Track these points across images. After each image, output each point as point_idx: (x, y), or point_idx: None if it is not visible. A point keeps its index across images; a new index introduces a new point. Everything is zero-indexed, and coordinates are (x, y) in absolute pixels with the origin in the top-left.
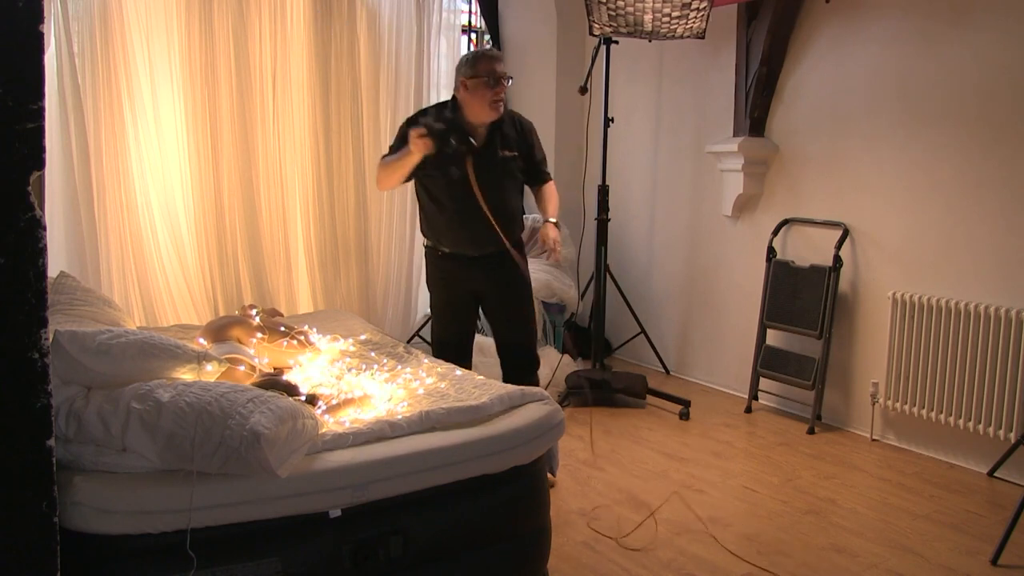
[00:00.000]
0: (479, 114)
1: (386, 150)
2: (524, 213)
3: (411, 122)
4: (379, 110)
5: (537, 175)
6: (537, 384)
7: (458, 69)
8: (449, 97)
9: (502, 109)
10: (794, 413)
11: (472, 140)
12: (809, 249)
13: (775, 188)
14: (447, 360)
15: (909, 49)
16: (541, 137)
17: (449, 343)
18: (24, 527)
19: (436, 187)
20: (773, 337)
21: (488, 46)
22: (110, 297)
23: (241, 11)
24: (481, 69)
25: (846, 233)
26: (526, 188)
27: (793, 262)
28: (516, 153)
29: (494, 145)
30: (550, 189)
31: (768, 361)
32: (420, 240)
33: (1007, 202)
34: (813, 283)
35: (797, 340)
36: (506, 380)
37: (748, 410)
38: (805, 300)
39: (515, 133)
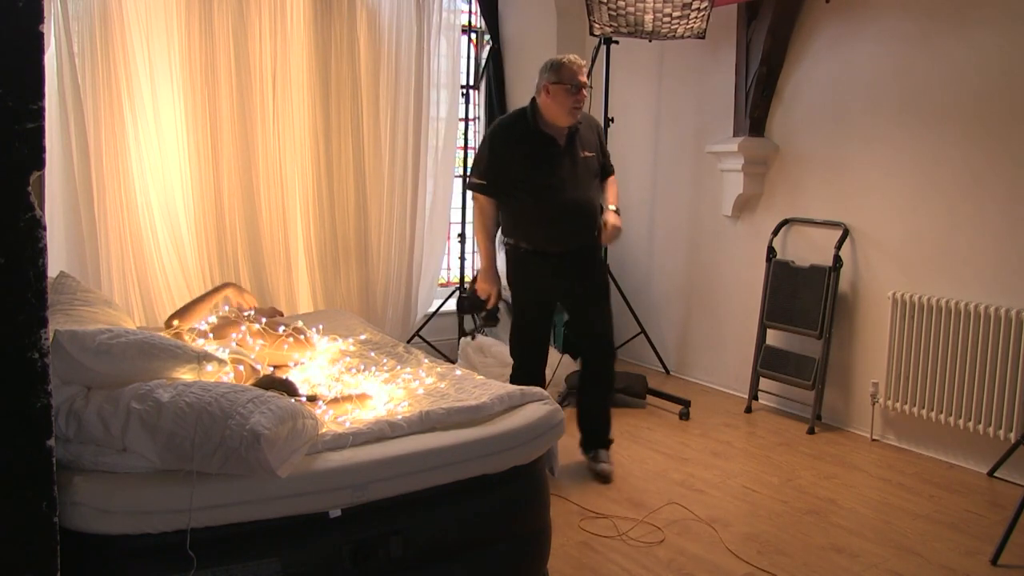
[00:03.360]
0: (558, 118)
1: (386, 151)
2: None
3: (494, 136)
4: (379, 110)
5: (605, 169)
6: (613, 373)
7: (541, 73)
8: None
9: (579, 115)
10: (794, 413)
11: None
12: (809, 249)
13: (775, 188)
14: (526, 357)
15: (909, 49)
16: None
17: (531, 340)
18: (24, 527)
19: (526, 193)
20: (773, 337)
21: (564, 57)
22: (110, 297)
23: (241, 11)
24: (565, 76)
25: (846, 233)
26: None
27: (793, 262)
28: (593, 153)
29: (575, 146)
30: (613, 180)
31: (768, 361)
32: (420, 240)
33: (1007, 202)
34: (813, 283)
35: (797, 340)
36: (586, 370)
37: (748, 410)
38: (805, 300)
39: (590, 133)
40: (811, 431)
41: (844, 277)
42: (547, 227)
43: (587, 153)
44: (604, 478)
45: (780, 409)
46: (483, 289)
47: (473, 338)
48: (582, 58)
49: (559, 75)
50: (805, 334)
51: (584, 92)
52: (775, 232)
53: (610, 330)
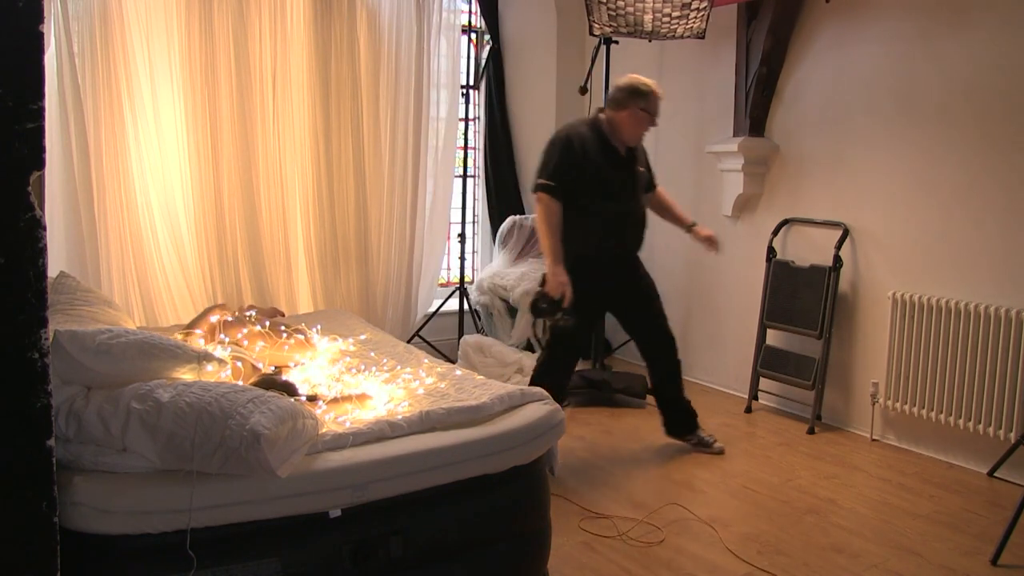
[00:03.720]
0: (630, 139)
1: (386, 151)
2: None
3: (568, 143)
4: (379, 110)
5: (650, 183)
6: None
7: (631, 94)
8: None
9: (638, 143)
10: (794, 413)
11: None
12: (809, 249)
13: (775, 188)
14: (567, 356)
15: (909, 49)
16: (540, 138)
17: (575, 344)
18: (24, 527)
19: (591, 201)
20: (773, 337)
21: (657, 89)
22: (110, 297)
23: (241, 11)
24: (652, 107)
25: (846, 233)
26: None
27: (793, 262)
28: (644, 169)
29: (634, 162)
30: (667, 195)
31: (768, 361)
32: (420, 240)
33: (1007, 202)
34: (813, 283)
35: (797, 340)
36: (661, 363)
37: (748, 410)
38: (805, 300)
39: (640, 150)
40: (811, 431)
41: (844, 277)
42: (607, 235)
43: (641, 168)
44: (722, 453)
45: (780, 409)
46: (556, 285)
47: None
48: (584, 58)
49: (648, 104)
50: (805, 334)
51: (651, 126)
52: (775, 232)
53: (667, 323)
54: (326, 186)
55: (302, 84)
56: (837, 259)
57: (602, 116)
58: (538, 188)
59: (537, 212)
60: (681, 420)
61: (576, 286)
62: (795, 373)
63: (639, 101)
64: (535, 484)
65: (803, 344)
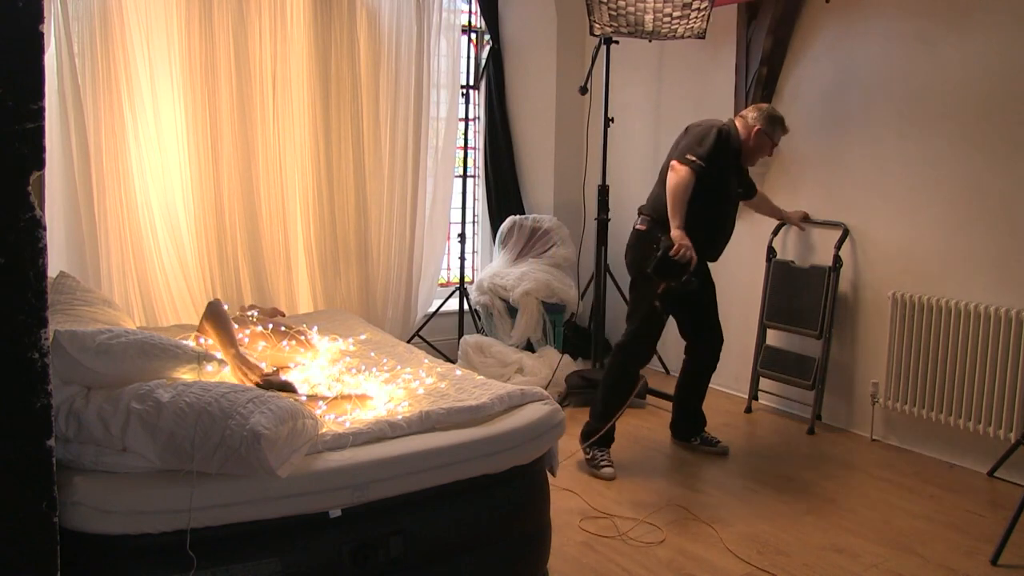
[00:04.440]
0: (749, 159)
1: (386, 151)
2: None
3: (723, 136)
4: (379, 110)
5: (754, 190)
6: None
7: (768, 120)
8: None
9: (756, 162)
10: (794, 413)
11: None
12: (809, 249)
13: (775, 188)
14: (647, 351)
15: (909, 49)
16: (540, 138)
17: (655, 338)
18: (24, 527)
19: (712, 197)
20: (773, 337)
21: (782, 117)
22: (110, 297)
23: (241, 11)
24: (778, 137)
25: (846, 233)
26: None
27: (793, 262)
28: (748, 183)
29: (742, 173)
30: (764, 193)
31: (768, 361)
32: (420, 240)
33: (1007, 202)
34: (813, 283)
35: (797, 340)
36: (700, 362)
37: (748, 410)
38: (805, 300)
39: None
40: (811, 431)
41: (844, 277)
42: (711, 231)
43: (741, 185)
44: (726, 454)
45: (780, 409)
46: (682, 248)
47: (665, 314)
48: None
49: (774, 132)
50: (805, 334)
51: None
52: (775, 232)
53: (720, 326)
54: (326, 186)
55: (302, 84)
56: (837, 259)
57: (737, 123)
58: (686, 162)
59: (672, 180)
60: (691, 425)
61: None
62: (795, 373)
63: (767, 127)
64: (535, 484)
65: (803, 344)
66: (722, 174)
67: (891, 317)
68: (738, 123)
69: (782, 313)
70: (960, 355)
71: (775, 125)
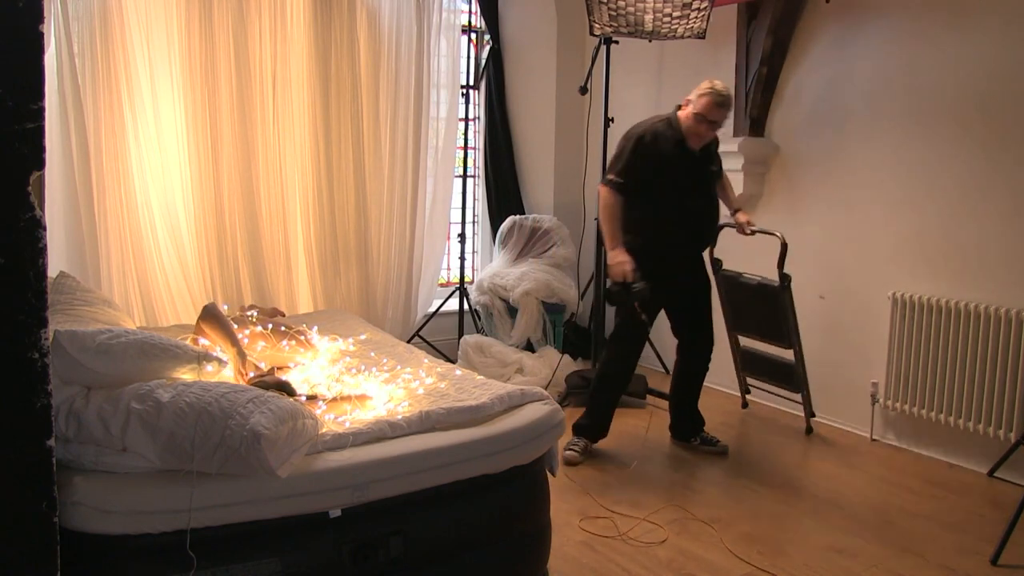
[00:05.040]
0: (688, 139)
1: (386, 151)
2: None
3: (641, 140)
4: (379, 110)
5: (717, 174)
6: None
7: (702, 102)
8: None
9: (703, 144)
10: (794, 413)
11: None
12: (752, 257)
13: (775, 188)
14: (632, 352)
15: (909, 49)
16: (540, 138)
17: (640, 337)
18: (24, 527)
19: (662, 197)
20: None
21: (718, 90)
22: (110, 297)
23: (241, 11)
24: (715, 115)
25: (785, 248)
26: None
27: (741, 275)
28: (716, 167)
29: (707, 160)
30: (726, 180)
31: (748, 365)
32: (420, 240)
33: (1007, 202)
34: (768, 299)
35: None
36: (689, 363)
37: (744, 405)
38: (764, 314)
39: (715, 149)
40: (808, 431)
41: (844, 277)
42: (676, 230)
43: (714, 168)
44: (725, 454)
45: (780, 409)
46: (616, 266)
47: (648, 323)
48: (584, 59)
49: (709, 111)
50: (775, 344)
51: (711, 130)
52: (713, 243)
53: (711, 327)
54: (326, 186)
55: (302, 84)
56: (784, 277)
57: (680, 114)
58: (607, 183)
59: (599, 204)
60: (689, 425)
61: (643, 276)
62: (778, 378)
63: (696, 101)
64: (535, 484)
65: (780, 348)
66: (663, 172)
67: (891, 317)
68: (683, 109)
69: (746, 324)
70: (960, 355)
71: (708, 105)
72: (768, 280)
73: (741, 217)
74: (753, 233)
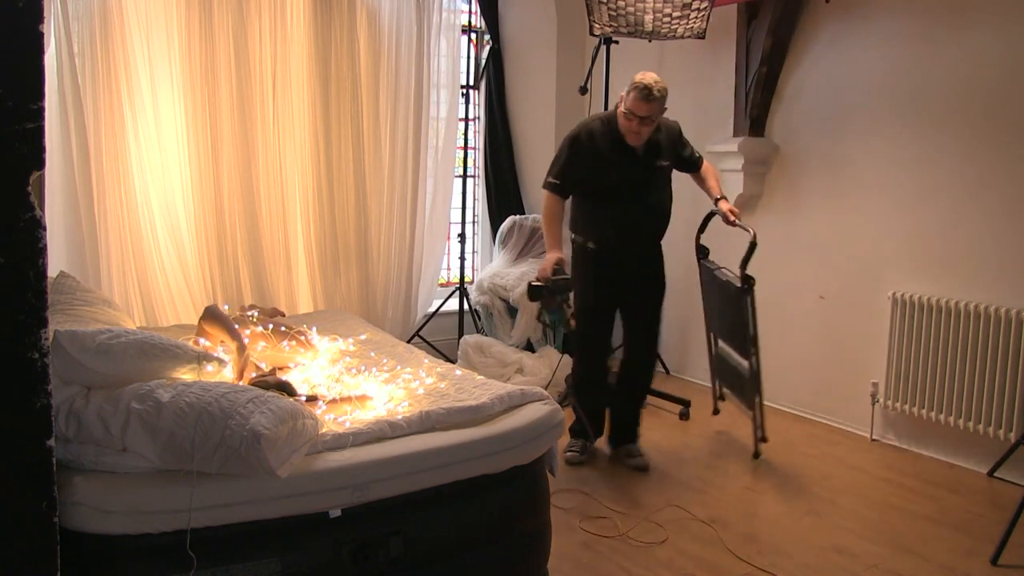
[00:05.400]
0: (627, 137)
1: (386, 151)
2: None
3: (577, 140)
4: (379, 110)
5: (692, 166)
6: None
7: (628, 91)
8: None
9: (642, 141)
10: (794, 412)
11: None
12: (730, 251)
13: (775, 188)
14: (590, 356)
15: (909, 49)
16: (540, 138)
17: (595, 340)
18: (24, 527)
19: (602, 195)
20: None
21: (643, 84)
22: (110, 297)
23: (241, 11)
24: (628, 101)
25: (752, 247)
26: (679, 175)
27: (718, 269)
28: (668, 162)
29: (652, 155)
30: (707, 170)
31: (718, 369)
32: (420, 240)
33: (1007, 201)
34: (730, 301)
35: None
36: (627, 367)
37: (716, 412)
38: (729, 314)
39: (667, 142)
40: (756, 456)
41: (844, 277)
42: (617, 228)
43: (663, 163)
44: (644, 470)
45: (779, 409)
46: (547, 263)
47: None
48: (584, 59)
49: (625, 98)
50: (736, 351)
51: (644, 126)
52: (701, 228)
53: (658, 331)
54: (326, 186)
55: (302, 84)
56: (747, 279)
57: (618, 111)
58: (545, 186)
59: (542, 207)
60: (619, 434)
61: (585, 280)
62: (736, 390)
63: (624, 95)
64: (535, 484)
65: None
66: (599, 173)
67: (891, 317)
68: (619, 106)
69: (718, 323)
70: (960, 355)
71: (634, 100)
72: (734, 280)
73: (724, 205)
74: (734, 224)
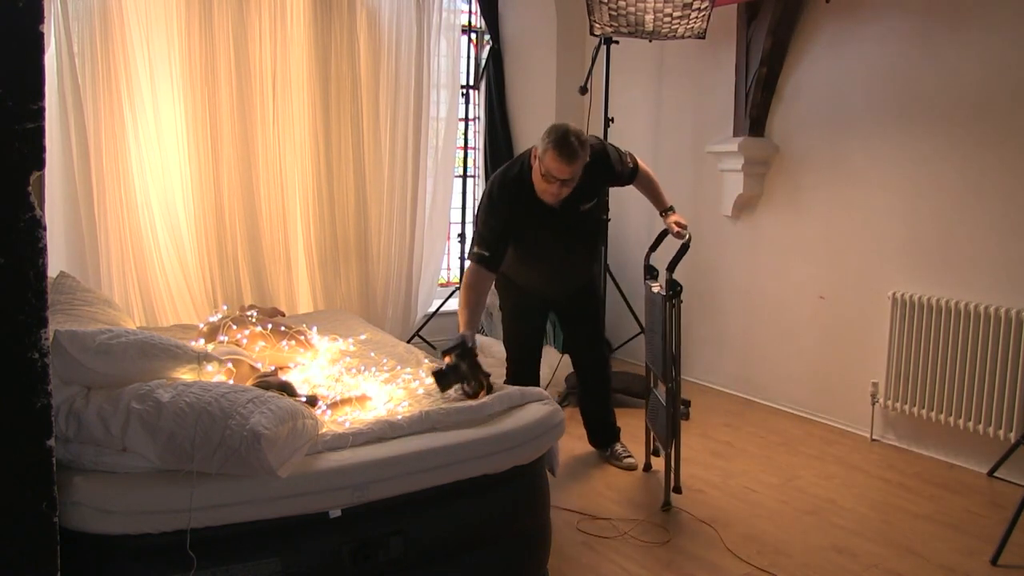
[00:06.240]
0: (544, 198)
1: (386, 151)
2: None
3: (499, 203)
4: (379, 110)
5: (627, 180)
6: (608, 377)
7: (544, 149)
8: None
9: (558, 201)
10: (793, 412)
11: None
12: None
13: (775, 188)
14: (519, 361)
15: (909, 49)
16: (540, 138)
17: (521, 344)
18: (24, 527)
19: (524, 251)
20: None
21: (562, 139)
22: (110, 297)
23: (241, 11)
24: (545, 161)
25: (684, 249)
26: (621, 186)
27: (650, 287)
28: (592, 202)
29: (574, 202)
30: (645, 179)
31: (651, 410)
32: (420, 240)
33: (1007, 201)
34: (658, 312)
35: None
36: (581, 379)
37: (647, 468)
38: (658, 330)
39: (590, 178)
40: (665, 506)
41: (844, 277)
42: (541, 281)
43: (586, 206)
44: (634, 468)
45: (779, 409)
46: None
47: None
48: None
49: (544, 160)
50: (658, 374)
51: (564, 188)
52: (653, 247)
53: (601, 342)
54: (326, 186)
55: (302, 84)
56: (672, 285)
57: (534, 166)
58: (473, 257)
59: (464, 280)
60: (601, 437)
61: (508, 294)
62: (659, 426)
63: (540, 149)
64: (535, 484)
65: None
66: (523, 235)
67: (891, 317)
68: (533, 160)
69: (650, 350)
70: (960, 355)
71: (553, 161)
72: (663, 291)
73: (671, 218)
74: (684, 236)
